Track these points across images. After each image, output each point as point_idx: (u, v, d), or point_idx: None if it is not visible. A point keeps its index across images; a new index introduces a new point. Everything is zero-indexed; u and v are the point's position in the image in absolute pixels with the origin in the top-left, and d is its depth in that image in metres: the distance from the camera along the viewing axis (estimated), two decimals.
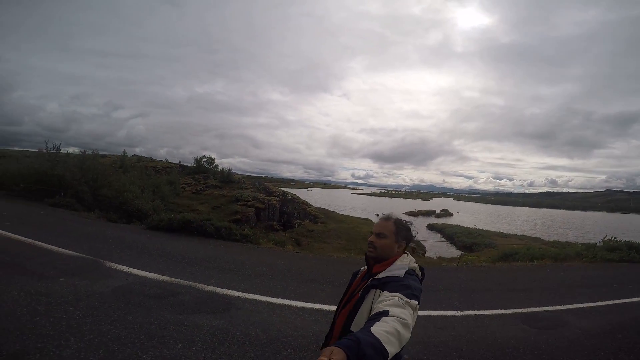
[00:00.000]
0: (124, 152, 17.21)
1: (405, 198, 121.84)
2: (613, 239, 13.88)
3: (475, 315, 4.83)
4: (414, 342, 3.67)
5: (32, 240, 5.65)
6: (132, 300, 3.82)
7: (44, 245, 5.49)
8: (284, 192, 28.17)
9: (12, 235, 5.86)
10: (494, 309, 5.10)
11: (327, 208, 30.01)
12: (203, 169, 35.76)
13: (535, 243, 21.40)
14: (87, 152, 15.88)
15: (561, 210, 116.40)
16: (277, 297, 4.53)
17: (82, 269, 4.60)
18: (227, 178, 30.25)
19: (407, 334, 1.01)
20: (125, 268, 4.87)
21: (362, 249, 12.41)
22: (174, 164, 40.10)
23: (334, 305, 4.36)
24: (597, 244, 13.23)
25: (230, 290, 4.54)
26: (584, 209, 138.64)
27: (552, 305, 5.48)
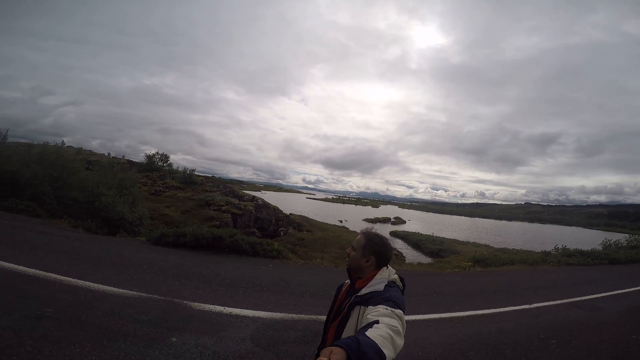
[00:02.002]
0: (63, 142, 15.25)
1: (356, 204, 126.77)
2: (564, 247, 16.63)
3: (538, 307, 6.09)
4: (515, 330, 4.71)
5: (51, 275, 4.44)
6: (285, 351, 3.34)
7: (77, 281, 4.34)
8: (253, 196, 27.46)
9: (14, 265, 4.57)
10: (547, 302, 6.44)
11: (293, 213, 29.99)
12: (155, 167, 33.08)
13: (488, 249, 24.19)
14: (48, 143, 13.67)
15: (491, 220, 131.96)
16: (417, 314, 4.96)
17: (172, 318, 3.69)
18: (189, 179, 28.45)
19: (400, 341, 1.05)
20: (221, 308, 4.15)
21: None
22: (120, 159, 36.28)
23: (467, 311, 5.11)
24: (552, 251, 15.69)
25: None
26: (509, 219, 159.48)
27: (580, 297, 7.05)
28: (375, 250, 1.50)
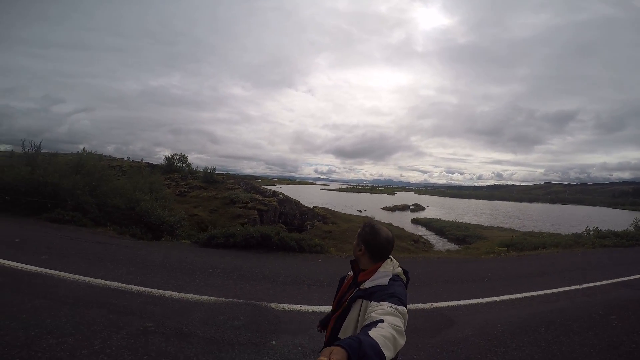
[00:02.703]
0: (84, 150, 15.76)
1: (371, 193, 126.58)
2: (595, 228, 16.47)
3: (588, 287, 6.36)
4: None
5: (131, 286, 4.61)
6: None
7: (158, 291, 4.52)
8: (274, 191, 27.98)
9: (93, 279, 4.75)
10: (595, 282, 6.66)
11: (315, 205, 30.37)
12: (175, 168, 33.91)
13: (515, 233, 24.03)
14: (84, 152, 14.32)
15: (510, 202, 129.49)
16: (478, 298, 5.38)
17: (263, 321, 3.88)
18: (211, 178, 29.16)
19: (401, 340, 1.05)
20: (298, 307, 4.43)
21: (403, 247, 13.12)
22: (141, 162, 37.32)
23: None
24: (584, 234, 15.55)
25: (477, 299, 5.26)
26: (530, 200, 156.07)
27: (627, 277, 7.21)
28: (365, 239, 1.52)
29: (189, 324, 3.62)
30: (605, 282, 6.75)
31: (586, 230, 16.14)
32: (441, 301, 5.03)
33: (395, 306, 1.20)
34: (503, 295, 5.57)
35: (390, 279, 1.40)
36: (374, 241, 1.50)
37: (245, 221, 18.31)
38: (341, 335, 1.40)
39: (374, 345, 0.92)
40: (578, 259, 9.83)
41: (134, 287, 4.61)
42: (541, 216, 54.67)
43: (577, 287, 6.30)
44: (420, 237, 20.60)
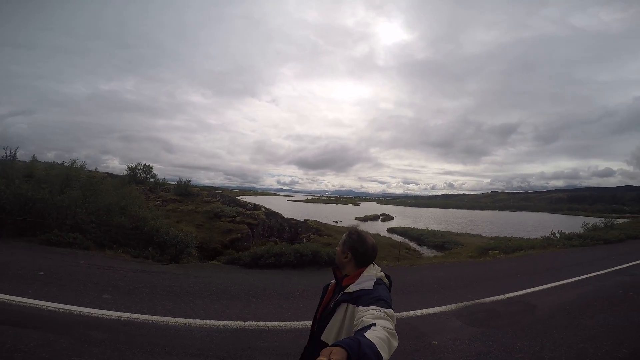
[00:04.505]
0: (73, 163, 14.15)
1: (337, 203, 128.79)
2: (560, 232, 19.11)
3: (594, 276, 7.95)
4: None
5: (221, 322, 4.21)
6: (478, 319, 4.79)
7: (265, 323, 4.25)
8: (255, 204, 27.73)
9: (193, 321, 4.17)
10: (595, 272, 8.28)
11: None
12: (139, 179, 32.05)
13: (484, 239, 26.46)
14: (66, 163, 12.99)
15: (464, 210, 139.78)
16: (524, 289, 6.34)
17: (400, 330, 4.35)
18: (185, 190, 28.06)
19: (395, 343, 1.08)
20: (408, 313, 4.98)
21: (399, 255, 13.96)
22: (95, 171, 34.58)
23: None
24: (552, 236, 17.98)
25: None
26: (481, 208, 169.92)
27: (614, 267, 9.01)
28: (352, 246, 1.58)
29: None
30: (602, 271, 8.43)
31: (552, 234, 18.64)
32: (508, 293, 6.14)
33: (384, 310, 1.24)
34: (546, 284, 6.88)
35: (374, 282, 1.45)
36: (362, 248, 1.57)
37: (239, 236, 18.11)
38: (324, 338, 1.46)
39: (372, 346, 0.95)
40: (564, 257, 11.68)
41: (224, 323, 4.21)
42: (497, 222, 60.09)
43: (585, 276, 7.82)
44: (409, 245, 21.89)
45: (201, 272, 7.22)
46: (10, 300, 4.25)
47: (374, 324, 1.11)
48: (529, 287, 6.54)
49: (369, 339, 0.98)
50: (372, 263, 1.59)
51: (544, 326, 4.59)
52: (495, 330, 4.41)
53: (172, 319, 4.18)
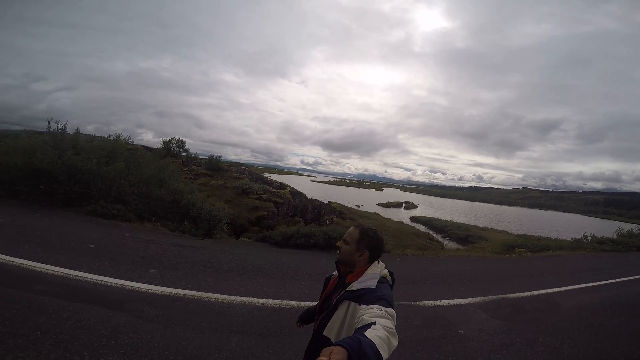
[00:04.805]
0: (119, 136, 14.75)
1: (359, 187, 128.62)
2: (592, 235, 18.43)
3: (623, 281, 8.09)
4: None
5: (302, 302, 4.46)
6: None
7: None
8: (281, 183, 28.44)
9: (253, 300, 4.43)
10: (624, 278, 8.35)
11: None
12: (172, 153, 33.48)
13: (510, 236, 25.88)
14: (113, 137, 13.85)
15: (492, 205, 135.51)
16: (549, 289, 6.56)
17: (428, 316, 4.59)
18: (216, 165, 29.14)
19: (395, 342, 1.08)
20: (448, 301, 5.29)
21: (421, 245, 14.14)
22: (137, 145, 36.44)
23: None
24: (582, 239, 17.41)
25: None
26: (509, 204, 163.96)
27: None
28: (370, 244, 1.55)
29: (403, 331, 4.00)
30: (631, 277, 8.42)
31: (584, 236, 18.03)
32: (534, 290, 6.37)
33: (385, 309, 1.24)
34: (571, 285, 7.03)
35: (378, 281, 1.45)
36: (380, 247, 1.58)
37: (265, 213, 18.82)
38: (326, 333, 1.46)
39: (372, 345, 0.96)
40: (594, 260, 11.55)
41: (291, 302, 4.53)
42: (525, 220, 58.12)
43: (612, 280, 7.94)
44: (432, 235, 21.88)
45: (236, 249, 7.50)
46: (68, 274, 4.43)
47: (374, 323, 1.12)
48: (555, 287, 6.67)
49: (369, 339, 0.99)
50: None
51: (566, 324, 4.81)
52: (519, 324, 4.67)
53: (215, 295, 4.40)
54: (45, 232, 6.18)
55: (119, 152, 12.67)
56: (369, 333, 1.03)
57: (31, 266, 4.51)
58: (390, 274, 1.57)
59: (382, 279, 1.49)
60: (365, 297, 1.36)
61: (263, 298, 4.57)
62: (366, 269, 1.52)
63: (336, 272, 1.68)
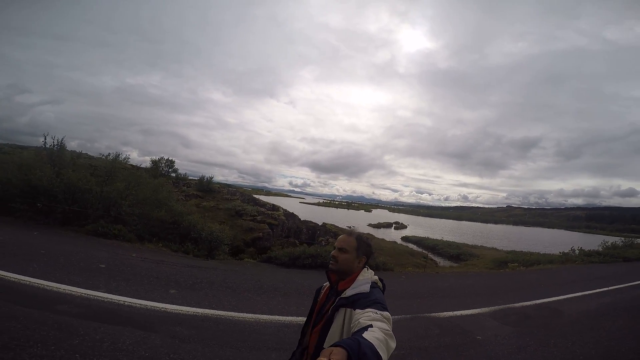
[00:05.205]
0: (117, 155, 14.67)
1: (348, 209, 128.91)
2: (580, 248, 19.18)
3: (626, 286, 8.70)
4: None
5: None
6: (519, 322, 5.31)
7: None
8: (273, 204, 28.50)
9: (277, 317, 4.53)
10: (624, 284, 8.92)
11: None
12: (161, 173, 33.19)
13: (499, 252, 26.42)
14: (114, 156, 13.59)
15: (478, 223, 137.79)
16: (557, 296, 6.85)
17: (445, 327, 4.84)
18: (207, 187, 29.02)
19: (392, 344, 1.10)
20: (463, 312, 5.63)
21: (417, 263, 14.38)
22: (124, 164, 35.87)
23: None
24: (570, 252, 18.12)
25: None
26: (495, 222, 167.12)
27: (636, 281, 9.50)
28: (367, 250, 1.62)
29: (429, 340, 4.39)
30: (622, 285, 8.88)
31: (572, 250, 18.76)
32: (535, 300, 6.74)
33: (380, 312, 1.26)
34: (569, 294, 7.44)
35: (370, 285, 1.48)
36: (372, 253, 1.66)
37: (260, 235, 18.76)
38: (326, 345, 1.43)
39: (371, 346, 0.96)
40: (586, 272, 12.03)
41: None
42: (512, 237, 59.31)
43: (606, 288, 8.35)
44: (427, 254, 22.18)
45: (246, 270, 7.63)
46: (88, 294, 4.40)
47: (371, 326, 1.13)
48: (554, 296, 7.06)
49: (367, 340, 0.99)
50: (366, 266, 1.63)
51: (571, 327, 5.20)
52: (530, 329, 5.01)
53: (241, 314, 4.48)
54: (50, 251, 6.12)
55: (117, 171, 12.56)
56: (367, 335, 1.04)
57: (46, 286, 4.44)
58: (380, 279, 1.59)
59: (374, 284, 1.52)
60: (360, 302, 1.38)
61: (287, 316, 4.68)
62: (357, 276, 1.55)
63: (327, 283, 1.71)
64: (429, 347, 4.11)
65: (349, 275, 1.56)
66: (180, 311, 4.32)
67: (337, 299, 1.49)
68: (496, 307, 6.02)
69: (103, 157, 13.88)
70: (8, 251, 5.74)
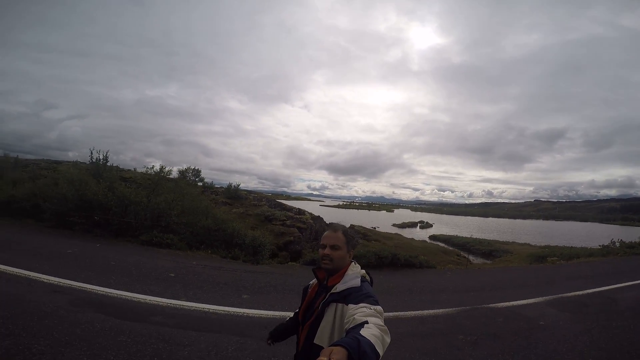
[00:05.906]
0: (155, 167, 15.19)
1: (369, 210, 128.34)
2: (620, 240, 18.67)
3: None
4: None
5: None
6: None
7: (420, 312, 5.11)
8: (299, 209, 29.09)
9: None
10: None
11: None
12: (189, 182, 34.32)
13: (532, 248, 25.88)
14: (160, 170, 14.23)
15: (506, 219, 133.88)
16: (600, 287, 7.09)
17: (503, 316, 5.16)
18: (235, 194, 29.99)
19: (388, 339, 1.10)
20: (516, 302, 5.94)
21: (453, 260, 14.53)
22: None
23: None
24: (611, 245, 17.68)
25: None
26: (523, 217, 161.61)
27: None
28: (353, 243, 1.64)
29: (499, 329, 4.64)
30: None
31: (612, 242, 18.31)
32: (585, 289, 6.94)
33: (373, 307, 1.28)
34: (618, 284, 7.56)
35: (360, 279, 1.49)
36: (356, 245, 1.74)
37: (292, 239, 19.36)
38: (317, 341, 1.43)
39: (370, 344, 0.97)
40: (628, 263, 11.98)
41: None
42: (544, 232, 57.48)
43: None
44: (460, 252, 22.17)
45: (298, 272, 7.90)
46: (174, 304, 4.53)
47: (367, 322, 1.14)
48: (602, 286, 7.23)
49: (366, 338, 1.00)
50: (353, 261, 1.64)
51: (630, 312, 5.45)
52: (588, 315, 5.30)
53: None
54: (119, 263, 6.40)
55: (163, 183, 13.21)
56: (364, 332, 1.05)
57: (133, 298, 4.62)
58: (368, 273, 1.61)
59: (363, 278, 1.52)
60: (352, 296, 1.38)
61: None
62: (346, 270, 1.55)
63: (314, 280, 1.72)
64: (497, 333, 4.48)
65: (338, 271, 1.56)
66: (261, 315, 4.49)
67: (327, 295, 1.49)
68: (550, 297, 6.28)
69: (148, 169, 14.64)
70: (86, 265, 6.01)
